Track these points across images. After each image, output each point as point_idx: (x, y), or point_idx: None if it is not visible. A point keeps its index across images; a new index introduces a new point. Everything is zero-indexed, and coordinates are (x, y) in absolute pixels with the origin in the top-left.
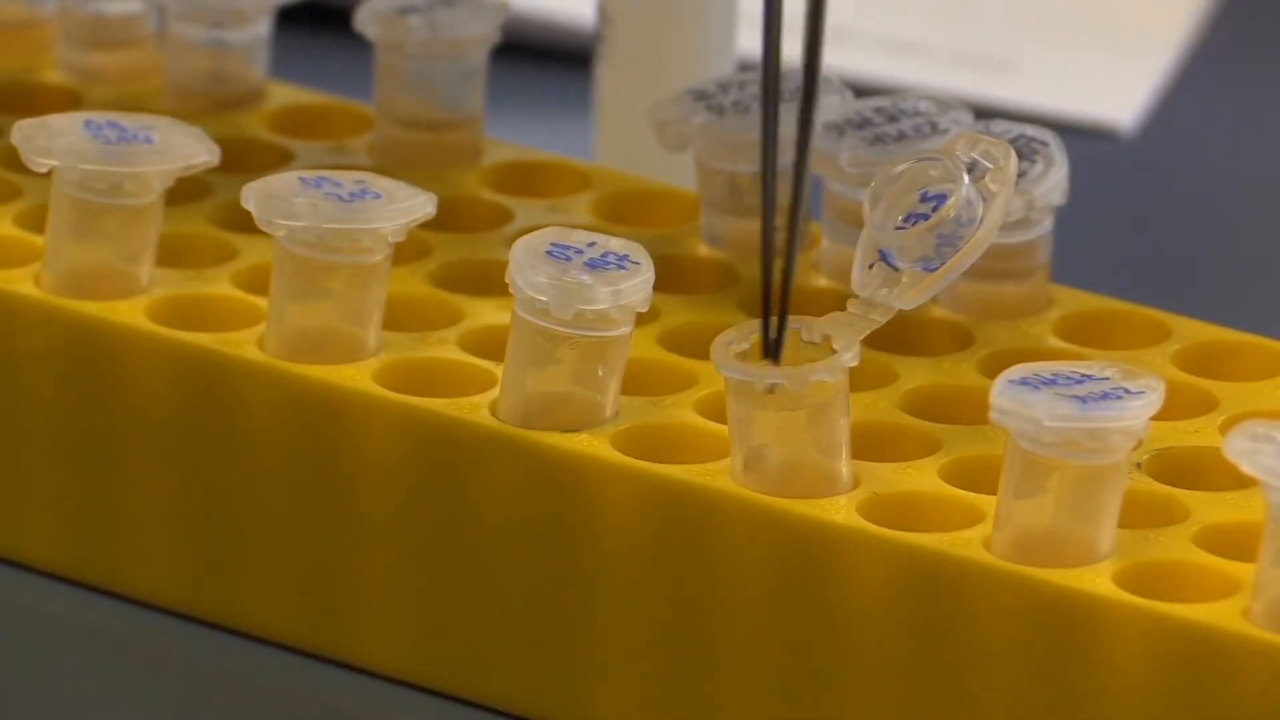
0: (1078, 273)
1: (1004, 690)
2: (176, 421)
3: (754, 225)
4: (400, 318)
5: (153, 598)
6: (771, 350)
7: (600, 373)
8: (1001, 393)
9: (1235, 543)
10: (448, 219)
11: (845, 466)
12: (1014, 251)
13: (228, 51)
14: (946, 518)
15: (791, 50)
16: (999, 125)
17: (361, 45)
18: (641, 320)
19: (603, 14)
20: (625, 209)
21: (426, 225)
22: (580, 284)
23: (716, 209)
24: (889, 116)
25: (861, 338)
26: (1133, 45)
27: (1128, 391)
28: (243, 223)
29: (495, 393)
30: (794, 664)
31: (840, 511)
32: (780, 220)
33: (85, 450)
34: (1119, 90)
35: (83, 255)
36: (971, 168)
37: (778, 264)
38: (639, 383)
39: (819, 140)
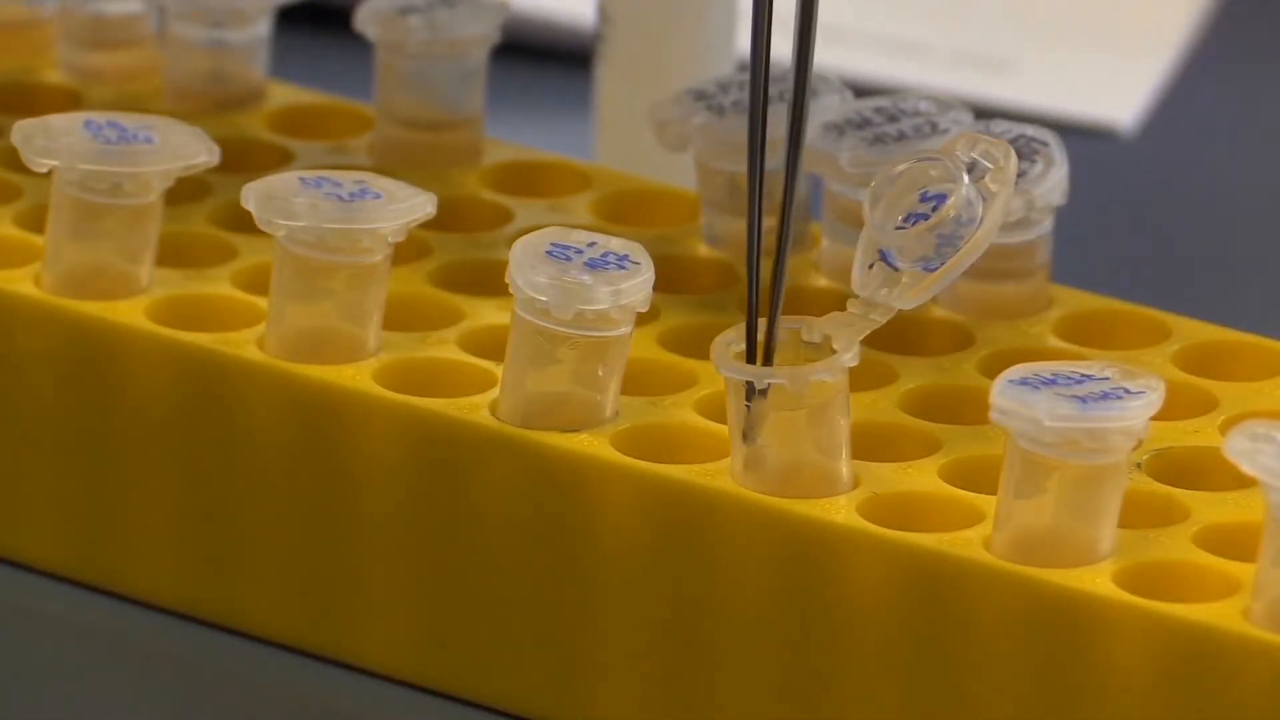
0: (1078, 273)
1: (1004, 690)
2: (176, 421)
3: None
4: (400, 318)
5: (153, 598)
6: (762, 352)
7: (600, 373)
8: (1001, 393)
9: (1235, 543)
10: (448, 219)
11: (845, 466)
12: (1014, 251)
13: (228, 51)
14: (946, 518)
15: (785, 50)
16: (999, 125)
17: (361, 45)
18: (641, 320)
19: (603, 14)
20: (625, 209)
21: (426, 225)
22: (580, 284)
23: (716, 209)
24: (889, 116)
25: (861, 338)
26: (1133, 45)
27: (1128, 391)
28: (243, 223)
29: (495, 393)
30: (794, 664)
31: (840, 511)
32: (775, 221)
33: (85, 450)
34: (1119, 90)
35: (83, 255)
36: (971, 168)
37: (769, 265)
38: (639, 383)
39: (819, 140)
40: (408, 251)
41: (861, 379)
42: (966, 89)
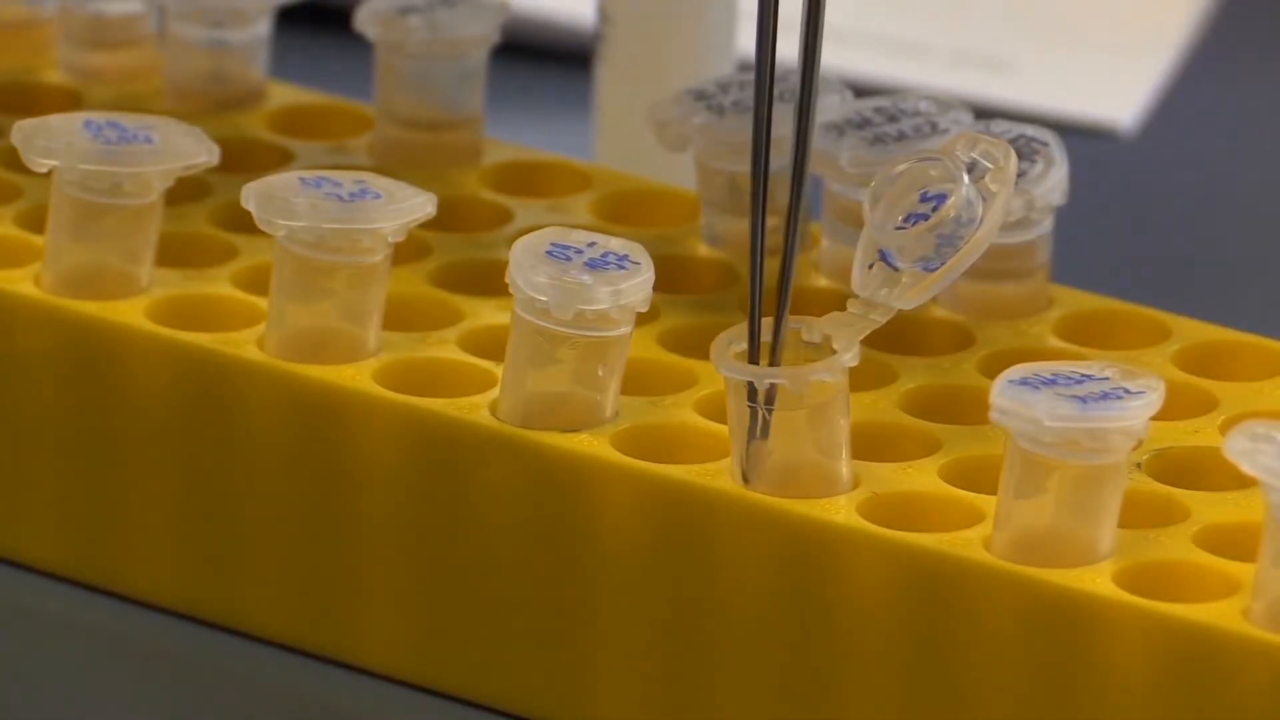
0: (1078, 273)
1: (1004, 690)
2: (176, 421)
3: None
4: (400, 318)
5: (153, 598)
6: (768, 352)
7: (600, 373)
8: (1001, 393)
9: (1235, 543)
10: (448, 219)
11: (845, 466)
12: (1014, 251)
13: (228, 51)
14: (946, 518)
15: (788, 50)
16: (999, 125)
17: (361, 45)
18: (641, 320)
19: (603, 14)
20: (625, 209)
21: (426, 225)
22: (580, 284)
23: (716, 209)
24: (889, 116)
25: (861, 338)
26: (1133, 45)
27: (1128, 391)
28: (243, 223)
29: (495, 393)
30: (794, 664)
31: (840, 511)
32: (776, 221)
33: (85, 450)
34: (1119, 90)
35: (83, 255)
36: (971, 168)
37: (773, 265)
38: (639, 383)
39: (819, 140)
40: (408, 251)
41: (861, 379)
42: (966, 89)
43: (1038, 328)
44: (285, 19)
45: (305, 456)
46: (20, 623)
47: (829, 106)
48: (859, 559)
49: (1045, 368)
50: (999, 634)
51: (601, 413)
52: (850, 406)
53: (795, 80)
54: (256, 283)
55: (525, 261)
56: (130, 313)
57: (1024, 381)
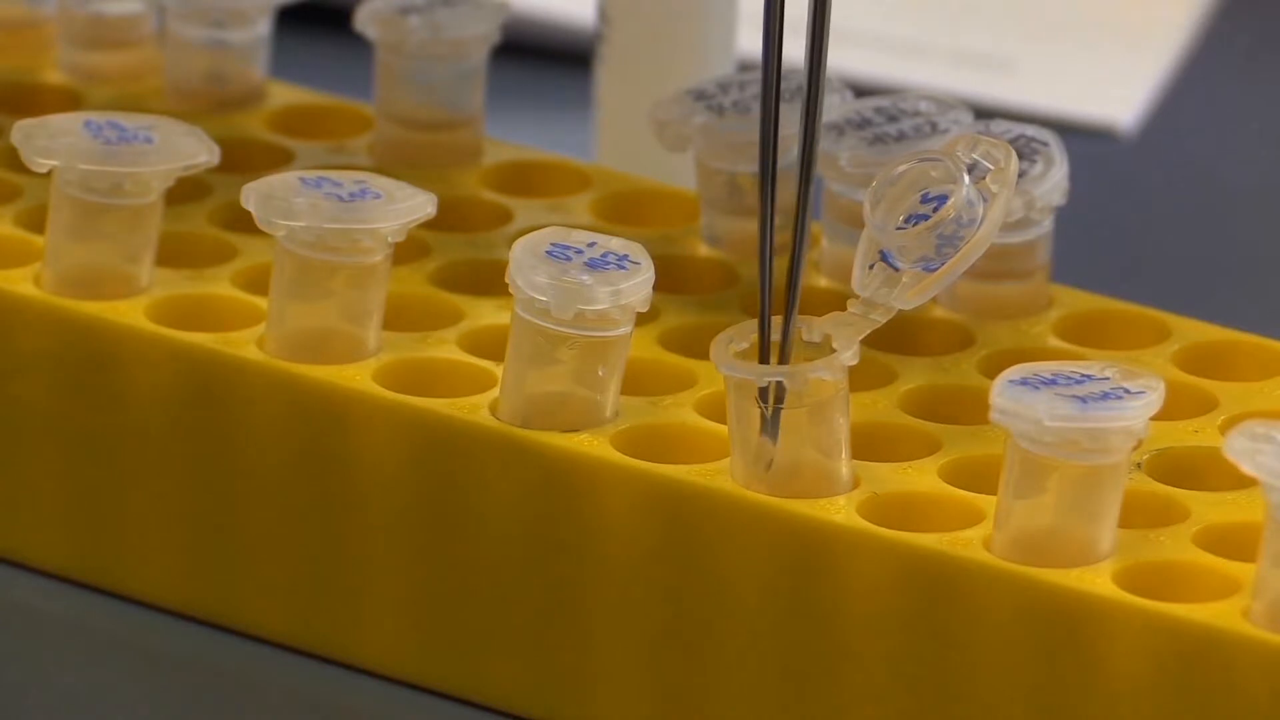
0: (1078, 273)
1: (1004, 690)
2: (177, 422)
3: (754, 225)
4: (400, 318)
5: (153, 598)
6: (777, 352)
7: (600, 373)
8: (1001, 393)
9: (1235, 543)
10: (448, 219)
11: (845, 466)
12: (1014, 251)
13: (228, 51)
14: (946, 518)
15: (791, 50)
16: (999, 125)
17: (361, 45)
18: (641, 320)
19: (603, 14)
20: (625, 209)
21: (426, 225)
22: (580, 284)
23: (716, 209)
24: (889, 116)
25: (861, 337)
26: (1133, 45)
27: (1128, 391)
28: (243, 223)
29: (495, 393)
30: (794, 664)
31: (840, 511)
32: (779, 220)
33: (86, 450)
34: (1119, 90)
35: (83, 255)
36: (972, 168)
37: (781, 264)
38: (639, 383)
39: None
40: (408, 251)
41: (861, 379)
42: (966, 89)
43: (1038, 328)
44: (285, 19)
45: (305, 456)
46: (21, 623)
47: (829, 106)
48: (859, 559)
49: (1045, 368)
50: (999, 634)
51: (601, 413)
52: (850, 406)
53: (798, 80)
54: (256, 283)
55: (525, 261)
56: (130, 313)
57: (1024, 381)
